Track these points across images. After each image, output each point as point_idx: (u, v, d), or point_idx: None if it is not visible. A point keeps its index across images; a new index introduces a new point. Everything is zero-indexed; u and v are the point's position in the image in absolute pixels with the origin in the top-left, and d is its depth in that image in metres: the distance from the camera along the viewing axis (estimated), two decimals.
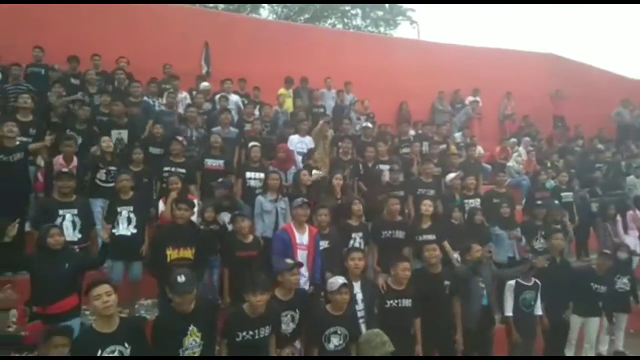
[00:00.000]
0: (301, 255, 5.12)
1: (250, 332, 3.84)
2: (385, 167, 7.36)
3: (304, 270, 5.09)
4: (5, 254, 5.15)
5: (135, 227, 5.39)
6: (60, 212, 5.05)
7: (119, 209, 5.38)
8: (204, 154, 6.91)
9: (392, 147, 8.55)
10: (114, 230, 5.25)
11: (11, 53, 8.09)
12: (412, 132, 9.86)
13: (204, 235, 5.34)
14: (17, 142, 5.79)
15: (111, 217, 5.35)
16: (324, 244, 5.39)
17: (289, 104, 9.76)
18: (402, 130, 9.52)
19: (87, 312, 4.70)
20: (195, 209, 6.02)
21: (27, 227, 5.65)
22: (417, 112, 11.93)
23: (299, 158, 7.54)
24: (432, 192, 7.16)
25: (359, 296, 4.64)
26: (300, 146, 7.73)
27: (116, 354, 3.22)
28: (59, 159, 6.13)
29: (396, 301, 4.75)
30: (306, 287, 5.03)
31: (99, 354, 3.16)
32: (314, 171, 6.69)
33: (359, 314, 4.57)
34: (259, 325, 3.88)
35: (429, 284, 5.03)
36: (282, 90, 10.08)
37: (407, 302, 4.77)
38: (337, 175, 6.47)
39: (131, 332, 3.35)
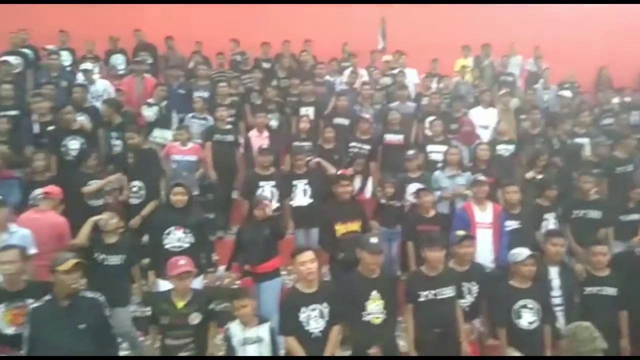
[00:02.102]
0: (482, 234, 4.97)
1: (432, 292, 3.85)
2: (583, 141, 6.61)
3: (487, 250, 4.94)
4: (214, 219, 6.10)
5: (312, 197, 5.81)
6: (261, 183, 5.71)
7: (295, 182, 5.84)
8: (382, 129, 7.06)
9: (592, 118, 7.62)
10: (291, 202, 5.76)
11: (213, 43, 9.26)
12: (615, 100, 8.62)
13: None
14: (229, 126, 6.69)
15: (287, 190, 5.79)
16: (513, 224, 5.13)
17: (469, 75, 9.33)
18: (604, 98, 8.36)
19: (284, 273, 5.32)
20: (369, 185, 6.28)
21: (235, 195, 6.56)
22: (619, 78, 10.33)
23: (483, 132, 7.20)
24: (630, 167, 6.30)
25: (556, 282, 4.32)
26: (482, 119, 7.36)
27: (316, 312, 3.60)
28: (254, 132, 6.85)
29: (597, 288, 4.31)
30: (491, 266, 4.87)
31: (302, 311, 3.57)
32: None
33: (555, 301, 4.27)
34: (440, 284, 3.88)
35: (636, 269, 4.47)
36: (461, 60, 9.65)
37: (610, 291, 4.30)
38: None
39: (330, 293, 3.69)
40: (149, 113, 7.04)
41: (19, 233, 4.27)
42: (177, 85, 7.65)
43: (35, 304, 3.30)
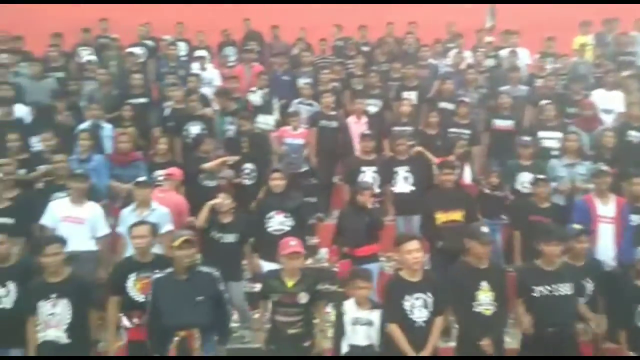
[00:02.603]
0: (604, 228, 4.65)
1: (548, 287, 3.68)
2: None
3: (609, 247, 4.61)
4: (316, 203, 6.28)
5: (413, 184, 5.71)
6: (363, 168, 5.76)
7: (395, 169, 5.76)
8: (491, 114, 6.73)
9: None
10: (392, 189, 5.71)
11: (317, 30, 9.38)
12: None
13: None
14: (333, 112, 6.81)
15: (388, 176, 5.74)
16: (637, 219, 4.68)
17: (589, 53, 8.53)
18: None
19: (383, 259, 5.35)
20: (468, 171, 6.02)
21: (336, 179, 6.70)
22: None
23: (605, 117, 6.59)
24: None
25: None
26: (605, 102, 6.73)
27: (420, 302, 3.59)
28: (352, 118, 6.88)
29: None
30: (613, 264, 4.50)
31: (406, 299, 3.57)
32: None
33: None
34: (557, 280, 3.69)
35: None
36: (580, 38, 8.85)
37: None
38: None
39: (434, 283, 3.66)
40: (255, 99, 7.38)
41: (159, 211, 4.74)
42: (281, 72, 7.90)
43: (158, 275, 3.64)
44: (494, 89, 7.37)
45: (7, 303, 3.85)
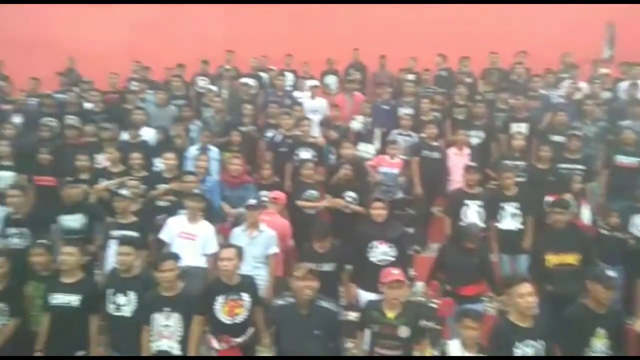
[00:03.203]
0: None
1: None
2: None
3: None
4: (413, 234, 6.16)
5: (522, 222, 5.43)
6: (466, 202, 5.61)
7: (502, 204, 5.50)
8: (613, 149, 6.25)
9: None
10: (498, 224, 5.46)
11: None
12: None
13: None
14: (436, 143, 6.71)
15: (493, 211, 5.50)
16: None
17: None
18: None
19: (485, 299, 5.06)
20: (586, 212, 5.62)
21: (434, 210, 6.57)
22: None
23: None
24: None
25: None
26: None
27: (531, 349, 3.35)
28: (453, 149, 6.69)
29: None
30: None
31: (516, 346, 3.36)
32: None
33: None
34: None
35: None
36: None
37: None
38: None
39: (546, 330, 3.43)
40: (356, 127, 7.50)
41: (267, 233, 4.97)
42: (382, 101, 7.98)
43: (280, 302, 3.78)
44: (614, 123, 6.84)
45: (127, 311, 4.06)
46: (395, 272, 3.69)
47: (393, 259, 4.72)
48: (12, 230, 5.06)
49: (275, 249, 4.90)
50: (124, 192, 5.41)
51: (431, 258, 5.24)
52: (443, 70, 9.31)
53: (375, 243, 4.79)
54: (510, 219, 5.49)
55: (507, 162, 6.17)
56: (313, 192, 5.97)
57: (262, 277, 4.78)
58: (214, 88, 8.57)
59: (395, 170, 6.48)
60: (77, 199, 5.35)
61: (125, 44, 10.66)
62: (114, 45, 10.56)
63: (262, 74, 9.27)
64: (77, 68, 9.67)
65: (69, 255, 4.11)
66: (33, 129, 7.10)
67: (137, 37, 10.81)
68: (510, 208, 5.50)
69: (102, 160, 6.33)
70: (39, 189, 6.03)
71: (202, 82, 8.91)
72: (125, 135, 6.93)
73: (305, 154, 6.61)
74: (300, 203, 5.86)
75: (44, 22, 10.78)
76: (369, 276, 4.44)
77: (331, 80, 9.56)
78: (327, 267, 4.69)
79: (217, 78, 8.96)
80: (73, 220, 5.20)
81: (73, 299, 4.03)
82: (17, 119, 7.39)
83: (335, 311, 3.74)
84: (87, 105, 7.89)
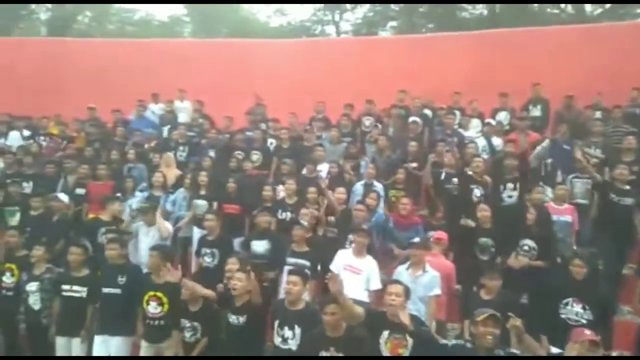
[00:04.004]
0: None
1: None
2: None
3: None
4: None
5: None
6: None
7: None
8: None
9: None
10: None
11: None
12: None
13: None
14: (628, 187, 5.93)
15: None
16: None
17: None
18: None
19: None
20: None
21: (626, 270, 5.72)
22: None
23: None
24: None
25: None
26: None
27: None
28: None
29: None
30: None
31: None
32: None
33: None
34: None
35: None
36: None
37: None
38: None
39: None
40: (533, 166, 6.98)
41: (431, 273, 4.89)
42: (563, 140, 7.32)
43: (454, 344, 3.67)
44: None
45: (293, 345, 4.10)
46: (588, 332, 3.38)
47: (585, 322, 4.31)
48: (205, 250, 5.75)
49: (437, 291, 4.78)
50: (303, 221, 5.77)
51: (623, 323, 4.58)
52: (637, 107, 8.23)
53: (570, 300, 4.45)
54: None
55: None
56: (487, 240, 5.68)
57: (424, 318, 4.63)
58: (378, 126, 8.85)
59: (566, 218, 5.90)
60: (264, 226, 5.86)
61: (305, 83, 11.65)
62: (295, 84, 11.62)
63: (427, 112, 9.28)
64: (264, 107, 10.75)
65: (239, 280, 4.44)
66: (223, 162, 8.10)
67: (317, 74, 11.72)
68: None
69: (281, 191, 6.91)
70: (225, 216, 6.79)
71: (368, 122, 9.25)
72: (304, 170, 7.47)
73: (476, 191, 6.41)
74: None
75: (240, 68, 12.38)
76: (558, 332, 4.12)
77: (503, 116, 9.13)
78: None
79: (386, 115, 9.20)
80: (259, 246, 5.72)
81: (241, 320, 4.41)
82: (210, 153, 8.53)
83: None
84: (271, 141, 8.76)
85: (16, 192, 7.08)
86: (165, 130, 9.59)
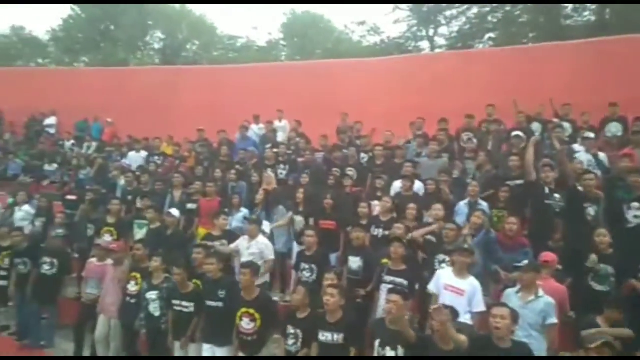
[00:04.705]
0: None
1: None
2: None
3: None
4: None
5: None
6: None
7: None
8: None
9: None
10: None
11: None
12: None
13: None
14: None
15: None
16: None
17: None
18: None
19: None
20: None
21: None
22: None
23: None
24: None
25: None
26: None
27: None
28: None
29: None
30: None
31: None
32: None
33: None
34: None
35: None
36: None
37: None
38: None
39: None
40: None
41: (545, 299, 4.59)
42: None
43: None
44: None
45: None
46: None
47: None
48: (304, 265, 5.90)
49: (554, 320, 4.46)
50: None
51: None
52: None
53: None
54: None
55: None
56: (606, 267, 5.25)
57: (535, 348, 4.32)
58: (473, 141, 8.55)
59: None
60: (359, 243, 5.89)
61: (401, 99, 11.66)
62: (392, 101, 11.65)
63: (535, 126, 8.83)
64: (355, 124, 10.87)
65: (332, 296, 4.51)
66: (319, 179, 8.28)
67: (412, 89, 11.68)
68: None
69: (375, 207, 6.91)
70: (322, 231, 6.90)
71: (466, 137, 8.97)
72: (397, 185, 7.39)
73: (591, 209, 5.96)
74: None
75: (334, 88, 12.69)
76: None
77: (615, 128, 8.40)
78: None
79: (484, 134, 8.89)
80: (354, 262, 5.76)
81: (335, 338, 4.45)
82: (306, 171, 8.75)
83: None
84: (363, 156, 8.85)
85: (146, 206, 7.54)
86: (266, 150, 10.05)
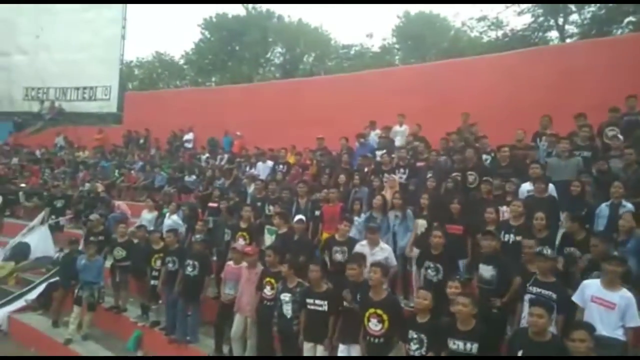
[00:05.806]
0: None
1: None
2: None
3: None
4: None
5: None
6: None
7: None
8: None
9: None
10: None
11: None
12: None
13: None
14: None
15: None
16: None
17: None
18: None
19: None
20: None
21: None
22: None
23: None
24: None
25: None
26: None
27: None
28: None
29: None
30: None
31: None
32: None
33: None
34: None
35: None
36: None
37: None
38: None
39: None
40: None
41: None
42: None
43: None
44: None
45: None
46: None
47: None
48: (429, 263, 5.80)
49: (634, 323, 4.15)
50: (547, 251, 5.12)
51: None
52: None
53: None
54: None
55: None
56: None
57: None
58: (620, 137, 7.72)
59: None
60: (490, 251, 5.58)
61: (527, 94, 10.95)
62: (515, 97, 10.99)
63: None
64: (475, 124, 10.39)
65: (464, 306, 4.34)
66: (442, 183, 8.02)
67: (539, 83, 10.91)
68: None
69: (505, 212, 6.52)
70: (449, 236, 6.68)
71: (611, 133, 8.07)
72: (525, 188, 6.95)
73: None
74: None
75: (452, 88, 12.30)
76: None
77: None
78: None
79: (629, 127, 7.94)
80: (486, 271, 5.48)
81: (469, 347, 4.28)
82: (429, 174, 8.55)
83: None
84: (485, 157, 8.43)
85: (275, 213, 7.77)
86: (384, 155, 10.02)
